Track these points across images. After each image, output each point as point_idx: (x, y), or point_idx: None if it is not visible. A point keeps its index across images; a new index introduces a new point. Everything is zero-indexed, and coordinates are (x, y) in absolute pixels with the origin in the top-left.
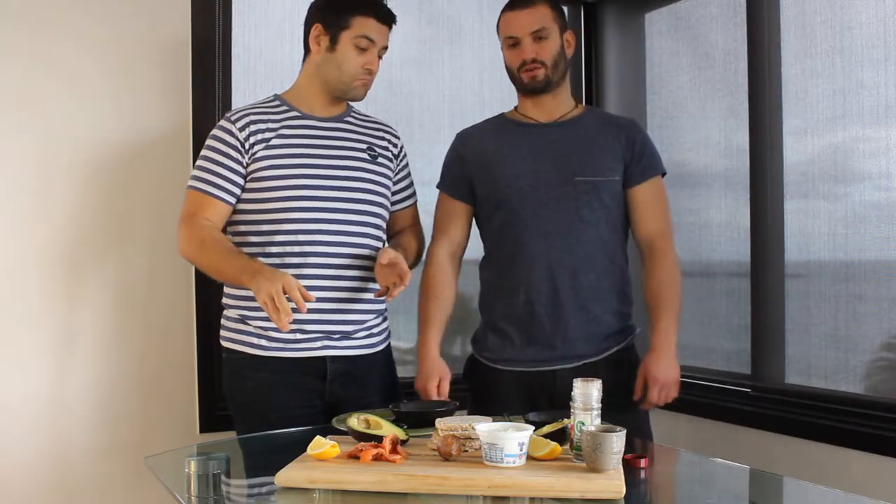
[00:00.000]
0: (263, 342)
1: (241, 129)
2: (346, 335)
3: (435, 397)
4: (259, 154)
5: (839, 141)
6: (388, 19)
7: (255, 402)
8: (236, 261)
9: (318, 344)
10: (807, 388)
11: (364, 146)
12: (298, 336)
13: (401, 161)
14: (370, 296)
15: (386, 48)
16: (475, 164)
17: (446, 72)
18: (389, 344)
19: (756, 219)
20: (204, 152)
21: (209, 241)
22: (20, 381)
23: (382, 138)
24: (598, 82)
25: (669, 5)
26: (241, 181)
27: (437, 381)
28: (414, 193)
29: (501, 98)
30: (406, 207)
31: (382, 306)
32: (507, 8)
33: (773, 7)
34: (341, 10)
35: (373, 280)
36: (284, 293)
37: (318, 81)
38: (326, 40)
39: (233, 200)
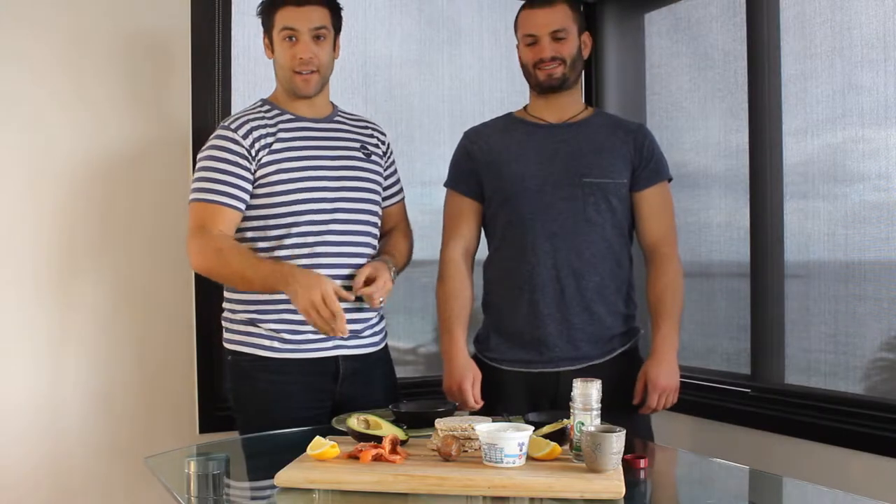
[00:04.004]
0: (276, 344)
1: (245, 137)
2: (356, 334)
3: (471, 398)
4: (264, 160)
5: (838, 141)
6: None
7: (266, 405)
8: (262, 267)
9: (331, 344)
10: (806, 389)
11: (357, 145)
12: (311, 336)
13: (388, 158)
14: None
15: (325, 28)
16: (483, 162)
17: (446, 72)
18: (387, 343)
19: (756, 219)
20: (206, 163)
21: (227, 249)
22: (20, 383)
23: (372, 136)
24: (598, 82)
25: (669, 5)
26: (249, 188)
27: (472, 381)
28: (401, 190)
29: (501, 98)
30: (394, 203)
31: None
32: (526, 5)
33: (773, 7)
34: (266, 13)
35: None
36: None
37: (281, 87)
38: (270, 46)
39: (243, 208)
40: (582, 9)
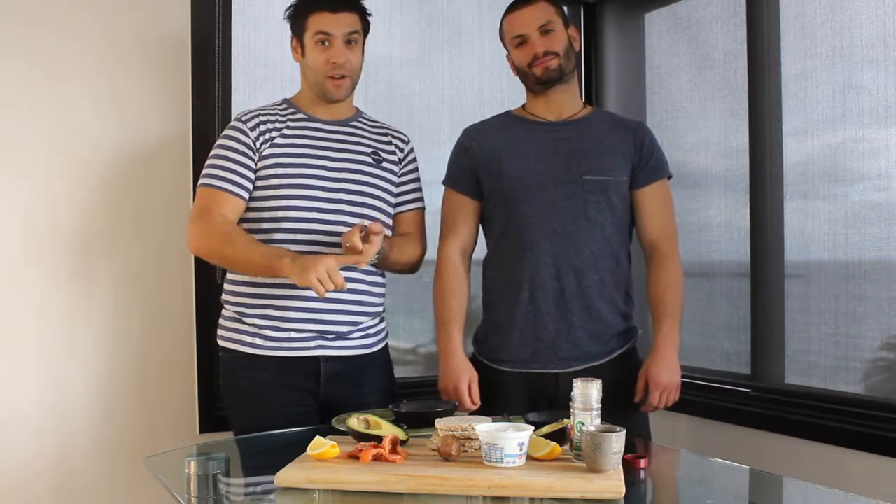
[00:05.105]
0: (258, 341)
1: (252, 129)
2: (341, 335)
3: (467, 398)
4: (266, 152)
5: (838, 141)
6: (337, 5)
7: (249, 401)
8: (264, 249)
9: (313, 344)
10: (806, 388)
11: (369, 150)
12: (293, 335)
13: (406, 165)
14: (367, 298)
15: (357, 33)
16: (482, 160)
17: (446, 72)
18: (387, 345)
19: (756, 219)
20: (215, 152)
21: (234, 233)
22: (23, 383)
23: (389, 143)
24: (598, 82)
25: (669, 5)
26: (252, 177)
27: (468, 382)
28: (419, 199)
29: (501, 98)
30: (407, 211)
31: (380, 308)
32: (508, 11)
33: (773, 7)
34: (299, 16)
35: (369, 283)
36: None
37: (308, 88)
38: (300, 48)
39: (246, 196)
40: (582, 8)
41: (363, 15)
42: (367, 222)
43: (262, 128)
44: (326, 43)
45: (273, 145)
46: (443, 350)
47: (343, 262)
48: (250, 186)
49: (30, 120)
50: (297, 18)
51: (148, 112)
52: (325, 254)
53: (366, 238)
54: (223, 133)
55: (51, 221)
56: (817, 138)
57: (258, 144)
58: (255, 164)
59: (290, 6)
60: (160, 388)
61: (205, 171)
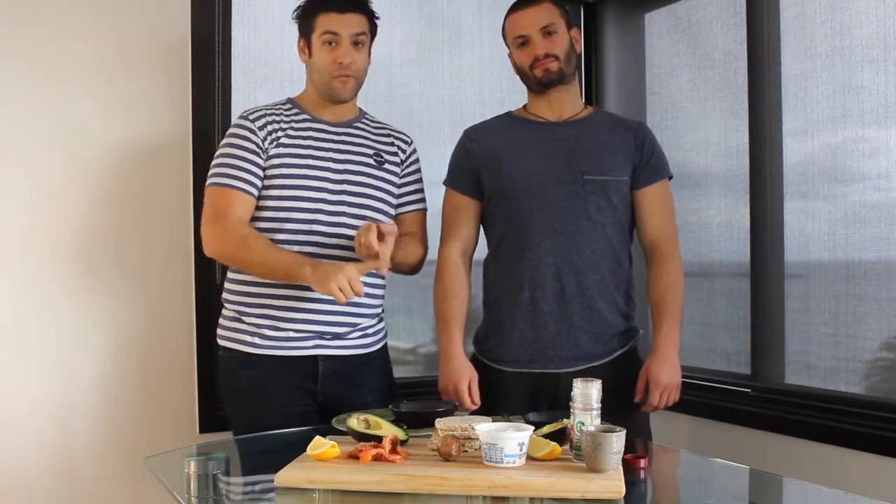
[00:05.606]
0: (257, 340)
1: (261, 129)
2: (339, 336)
3: (467, 398)
4: (272, 151)
5: (838, 141)
6: (345, 6)
7: (247, 400)
8: (283, 255)
9: (310, 343)
10: (806, 389)
11: (371, 152)
12: (291, 335)
13: (408, 166)
14: (366, 299)
15: (364, 34)
16: (483, 160)
17: (446, 72)
18: (386, 345)
19: (756, 219)
20: (224, 150)
21: (252, 238)
22: (23, 383)
23: (392, 144)
24: (598, 82)
25: (669, 5)
26: (262, 175)
27: (468, 382)
28: (421, 200)
29: (501, 98)
30: (409, 212)
31: (378, 309)
32: (512, 10)
33: (773, 7)
34: (307, 17)
35: (369, 284)
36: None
37: (314, 89)
38: (307, 49)
39: (256, 194)
40: (582, 8)
41: (371, 17)
42: (383, 226)
43: (270, 127)
44: (333, 43)
45: (279, 145)
46: (443, 350)
47: (364, 270)
48: (260, 185)
49: (30, 120)
50: (305, 18)
51: (148, 112)
52: (347, 261)
53: (379, 238)
54: (230, 131)
55: (51, 221)
56: (817, 138)
57: (266, 144)
58: (264, 163)
59: (298, 6)
60: (160, 388)
61: (214, 171)
